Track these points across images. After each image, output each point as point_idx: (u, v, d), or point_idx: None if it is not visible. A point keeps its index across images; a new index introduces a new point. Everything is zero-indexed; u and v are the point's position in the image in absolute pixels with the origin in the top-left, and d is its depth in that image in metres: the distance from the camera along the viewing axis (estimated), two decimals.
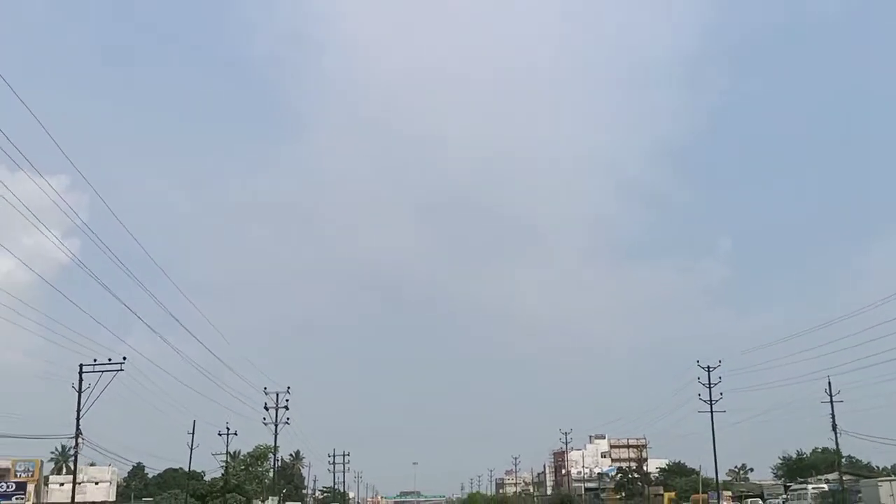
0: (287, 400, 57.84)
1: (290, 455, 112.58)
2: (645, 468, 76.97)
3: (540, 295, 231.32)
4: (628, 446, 77.41)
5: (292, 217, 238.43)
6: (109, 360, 34.85)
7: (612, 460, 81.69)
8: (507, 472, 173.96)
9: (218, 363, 56.85)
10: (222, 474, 77.92)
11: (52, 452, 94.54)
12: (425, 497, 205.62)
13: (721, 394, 55.62)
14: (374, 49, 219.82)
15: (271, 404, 57.69)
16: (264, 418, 57.45)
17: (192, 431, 58.39)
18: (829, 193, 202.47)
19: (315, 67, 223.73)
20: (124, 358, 34.99)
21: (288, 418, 57.99)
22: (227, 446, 66.48)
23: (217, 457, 68.24)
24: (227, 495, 69.30)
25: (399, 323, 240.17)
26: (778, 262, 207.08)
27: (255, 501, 59.25)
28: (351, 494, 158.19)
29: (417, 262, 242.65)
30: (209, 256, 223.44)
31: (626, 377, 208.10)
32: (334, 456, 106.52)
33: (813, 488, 63.83)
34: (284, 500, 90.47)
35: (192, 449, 58.26)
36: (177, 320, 45.56)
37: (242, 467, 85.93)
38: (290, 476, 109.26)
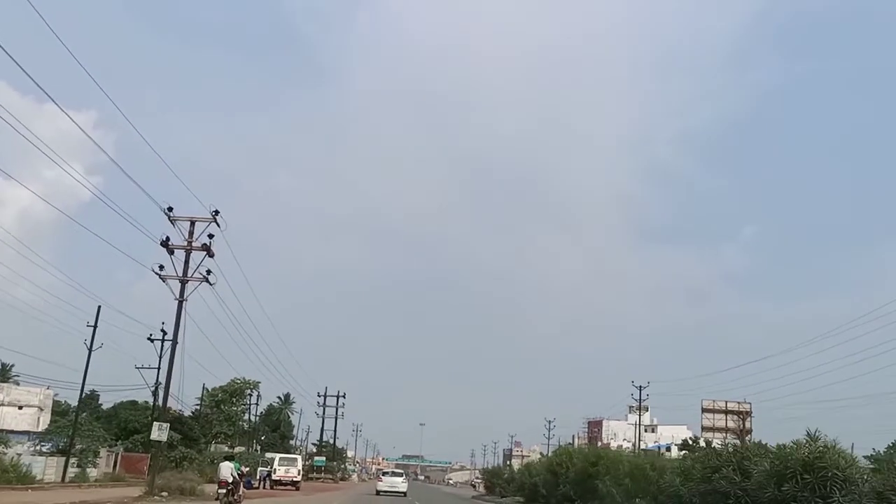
0: (211, 236, 29.66)
1: (279, 398, 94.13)
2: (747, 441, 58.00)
3: (564, 267, 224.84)
4: (726, 411, 58.05)
5: (323, 171, 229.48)
6: None
7: (703, 429, 62.40)
8: (517, 444, 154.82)
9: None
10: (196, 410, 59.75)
11: None
12: (429, 462, 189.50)
13: None
14: (412, 10, 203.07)
15: (179, 241, 29.56)
16: (161, 266, 29.37)
17: (94, 324, 37.41)
18: (866, 189, 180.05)
19: (349, 22, 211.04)
20: None
21: (209, 271, 29.91)
22: (159, 357, 47.23)
23: (142, 371, 49.30)
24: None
25: (420, 279, 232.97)
26: (804, 255, 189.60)
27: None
28: (350, 453, 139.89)
29: (445, 222, 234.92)
30: (238, 205, 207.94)
31: (655, 354, 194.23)
32: (325, 396, 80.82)
33: None
34: (265, 450, 72.45)
35: (90, 350, 37.63)
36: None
37: (214, 403, 68.17)
38: (276, 422, 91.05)
